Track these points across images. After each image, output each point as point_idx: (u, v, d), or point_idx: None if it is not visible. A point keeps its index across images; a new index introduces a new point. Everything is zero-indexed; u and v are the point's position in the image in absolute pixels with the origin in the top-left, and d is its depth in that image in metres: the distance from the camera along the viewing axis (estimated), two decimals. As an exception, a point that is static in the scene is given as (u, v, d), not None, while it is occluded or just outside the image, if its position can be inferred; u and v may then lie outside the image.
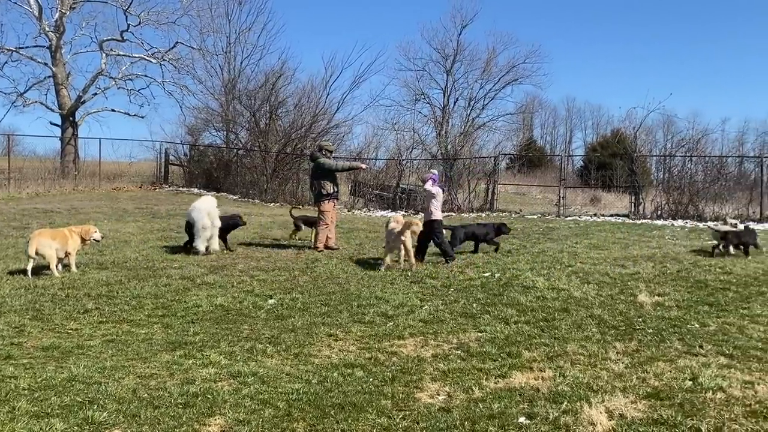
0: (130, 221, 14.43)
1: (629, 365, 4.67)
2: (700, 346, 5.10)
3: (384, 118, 36.90)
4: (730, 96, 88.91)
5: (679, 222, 17.63)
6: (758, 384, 4.23)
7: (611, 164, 34.46)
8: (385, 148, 28.86)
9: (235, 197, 23.31)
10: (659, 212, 18.73)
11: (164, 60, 28.80)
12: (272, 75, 27.00)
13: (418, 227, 9.08)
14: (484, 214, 20.69)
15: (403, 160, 24.43)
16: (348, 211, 19.66)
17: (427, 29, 67.83)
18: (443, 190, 9.65)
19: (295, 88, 27.57)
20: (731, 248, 9.82)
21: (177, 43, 28.87)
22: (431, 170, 10.22)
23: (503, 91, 43.47)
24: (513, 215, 20.42)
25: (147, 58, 28.79)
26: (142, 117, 30.11)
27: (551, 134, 72.25)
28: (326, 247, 10.56)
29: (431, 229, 9.42)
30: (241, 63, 30.78)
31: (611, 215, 19.77)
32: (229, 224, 10.63)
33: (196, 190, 25.23)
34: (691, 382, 4.27)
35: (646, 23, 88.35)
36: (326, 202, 10.61)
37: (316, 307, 6.55)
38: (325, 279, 8.02)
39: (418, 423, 3.65)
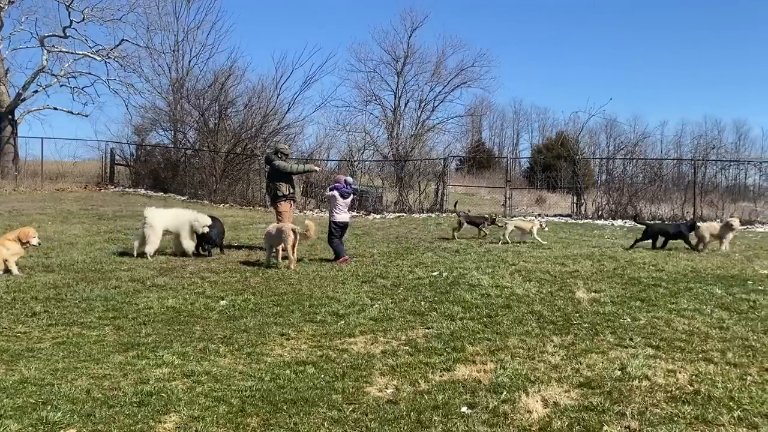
0: (75, 223, 14.14)
1: (565, 357, 4.99)
2: (630, 339, 5.48)
3: (336, 119, 37.03)
4: (668, 99, 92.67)
5: (619, 222, 18.44)
6: (679, 372, 4.60)
7: (556, 166, 35.53)
8: (336, 149, 28.98)
9: (183, 198, 22.99)
10: (600, 212, 19.54)
11: (109, 57, 28.15)
12: (221, 74, 26.76)
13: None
14: (434, 215, 21.10)
15: (354, 161, 24.64)
16: (300, 211, 19.69)
17: (378, 31, 68.47)
18: (348, 194, 10.06)
19: (245, 88, 27.41)
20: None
21: (123, 40, 28.28)
22: (340, 176, 10.62)
23: (453, 93, 44.26)
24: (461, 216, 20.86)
25: (91, 55, 28.07)
26: (87, 116, 29.33)
27: (499, 136, 73.63)
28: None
29: (336, 229, 10.03)
30: (190, 62, 30.42)
31: (555, 215, 20.47)
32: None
33: (142, 191, 24.77)
34: (620, 372, 4.61)
35: (589, 27, 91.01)
36: (283, 203, 10.72)
37: (268, 307, 6.67)
38: (276, 280, 8.13)
39: (366, 415, 3.85)
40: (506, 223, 12.81)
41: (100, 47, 28.15)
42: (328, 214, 10.84)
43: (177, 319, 6.16)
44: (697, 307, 6.58)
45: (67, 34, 27.48)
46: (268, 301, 6.92)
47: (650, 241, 11.43)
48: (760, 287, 7.65)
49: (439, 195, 22.24)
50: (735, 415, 3.78)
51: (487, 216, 14.17)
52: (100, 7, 27.55)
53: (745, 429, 3.62)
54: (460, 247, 11.63)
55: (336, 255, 9.83)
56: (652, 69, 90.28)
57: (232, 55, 51.56)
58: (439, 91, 43.72)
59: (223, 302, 6.84)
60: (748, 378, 4.46)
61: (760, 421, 3.70)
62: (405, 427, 3.66)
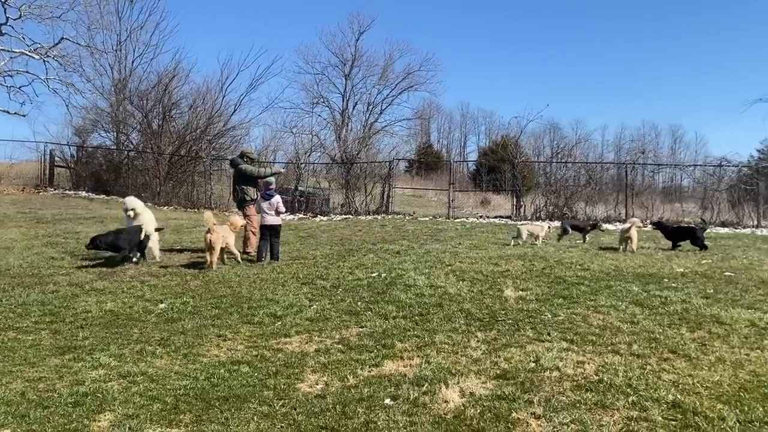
0: (12, 226, 13.83)
1: (486, 351, 5.35)
2: (548, 334, 5.88)
3: (283, 120, 37.02)
4: (609, 104, 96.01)
5: (556, 223, 19.17)
6: (588, 363, 5.02)
7: (500, 168, 36.51)
8: (283, 152, 29.00)
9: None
10: (539, 214, 20.26)
11: (48, 56, 27.29)
12: (165, 75, 26.49)
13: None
14: (380, 217, 21.42)
15: (301, 163, 24.75)
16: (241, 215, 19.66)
17: (326, 33, 68.71)
18: (270, 196, 10.52)
19: (189, 89, 27.19)
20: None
21: (62, 38, 27.47)
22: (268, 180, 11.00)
23: (400, 97, 44.83)
24: (407, 217, 21.28)
25: (29, 53, 27.16)
26: (24, 116, 28.32)
27: (447, 138, 74.90)
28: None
29: (262, 231, 10.46)
30: (133, 62, 29.94)
31: (495, 217, 21.12)
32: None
33: (84, 193, 24.24)
34: (534, 364, 5.00)
35: (533, 32, 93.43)
36: (250, 206, 10.99)
37: (206, 310, 6.82)
38: (217, 283, 8.27)
39: (295, 409, 4.10)
40: (519, 228, 13.21)
41: (39, 45, 27.28)
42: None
43: (115, 323, 6.25)
44: (613, 304, 7.07)
45: (3, 32, 26.56)
46: (207, 304, 7.06)
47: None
48: (673, 284, 8.24)
49: (385, 197, 22.58)
50: (630, 400, 4.20)
51: (590, 221, 14.90)
52: (39, 5, 26.71)
53: (636, 412, 4.02)
54: (401, 248, 11.97)
55: (272, 255, 10.29)
56: (593, 74, 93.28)
57: (177, 55, 50.93)
58: (387, 94, 44.29)
59: (162, 305, 6.96)
60: (648, 367, 4.91)
61: (650, 405, 4.12)
62: (330, 419, 3.92)
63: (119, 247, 9.39)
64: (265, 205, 10.44)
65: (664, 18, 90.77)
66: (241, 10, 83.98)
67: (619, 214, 19.09)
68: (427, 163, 48.65)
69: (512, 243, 12.63)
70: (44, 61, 27.45)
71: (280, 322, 6.33)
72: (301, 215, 21.51)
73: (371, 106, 43.87)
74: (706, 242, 12.11)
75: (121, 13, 29.43)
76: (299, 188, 23.15)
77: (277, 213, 10.52)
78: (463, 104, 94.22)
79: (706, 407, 4.05)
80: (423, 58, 44.71)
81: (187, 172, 24.36)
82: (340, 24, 63.78)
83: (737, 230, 18.40)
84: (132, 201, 10.30)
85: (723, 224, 19.06)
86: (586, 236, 13.61)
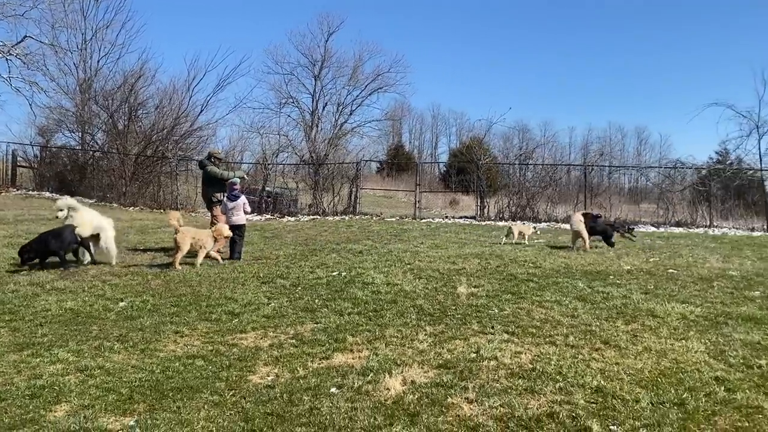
0: (-29, 228, 13.71)
1: (431, 344, 5.65)
2: (492, 327, 6.21)
3: (252, 121, 36.98)
4: (576, 106, 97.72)
5: (519, 223, 19.67)
6: (524, 353, 5.35)
7: (469, 169, 37.08)
8: (250, 152, 29.04)
9: (91, 201, 22.43)
10: (502, 214, 20.74)
11: (11, 54, 26.91)
12: (132, 75, 26.34)
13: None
14: (347, 217, 21.67)
15: (269, 163, 24.85)
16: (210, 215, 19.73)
17: (295, 34, 68.58)
18: (236, 197, 10.83)
19: (156, 90, 27.08)
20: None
21: (26, 37, 27.11)
22: (234, 179, 11.24)
23: (370, 98, 45.05)
24: (374, 218, 21.58)
25: (-10, 51, 26.78)
26: (-15, 114, 27.97)
27: (419, 139, 75.55)
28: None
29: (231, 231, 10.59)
30: (98, 61, 29.63)
31: (461, 217, 21.54)
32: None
33: (47, 194, 23.98)
34: (475, 354, 5.31)
35: (504, 36, 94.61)
36: (217, 207, 11.24)
37: (165, 308, 6.99)
38: (177, 282, 8.43)
39: (245, 398, 4.34)
40: (511, 227, 13.87)
41: (1, 44, 26.90)
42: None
43: (75, 320, 6.40)
44: (557, 299, 7.45)
45: (-37, 30, 26.14)
46: (166, 302, 7.24)
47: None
48: (617, 281, 8.67)
49: (353, 198, 22.84)
50: (557, 386, 4.53)
51: (625, 223, 15.69)
52: (1, 2, 26.35)
53: (562, 396, 4.35)
54: (364, 248, 12.25)
55: (236, 254, 10.63)
56: (562, 76, 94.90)
57: (143, 55, 50.56)
58: (357, 95, 44.45)
59: (122, 303, 7.11)
60: (579, 356, 5.26)
61: (575, 390, 4.46)
62: (277, 406, 4.17)
63: (50, 251, 9.13)
64: (231, 205, 10.66)
65: (633, 21, 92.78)
66: (208, 10, 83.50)
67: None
68: (398, 164, 49.04)
69: (503, 241, 13.38)
70: (6, 59, 27.05)
71: (237, 319, 6.54)
72: (268, 216, 21.63)
73: (341, 107, 44.01)
74: (613, 241, 12.85)
75: (86, 11, 29.16)
76: (267, 189, 23.25)
77: (244, 213, 10.79)
78: (434, 105, 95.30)
79: (625, 391, 4.41)
80: (393, 60, 45.04)
81: (153, 173, 24.28)
82: (310, 25, 63.64)
83: (691, 230, 19.12)
84: (64, 201, 10.21)
85: (678, 224, 19.78)
86: (627, 236, 14.34)
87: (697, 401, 4.22)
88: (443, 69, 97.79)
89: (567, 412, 4.05)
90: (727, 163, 32.87)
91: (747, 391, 4.42)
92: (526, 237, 13.67)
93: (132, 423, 3.88)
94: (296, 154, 29.17)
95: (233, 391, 4.47)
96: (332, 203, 22.89)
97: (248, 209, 10.98)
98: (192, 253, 9.68)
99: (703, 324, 6.36)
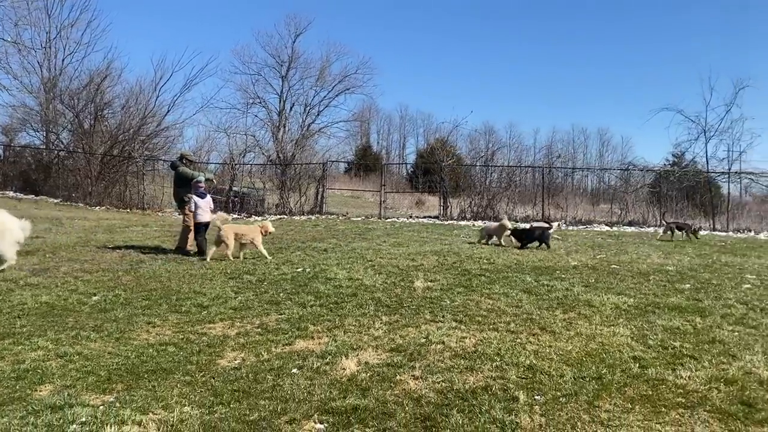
0: (-63, 227, 13.75)
1: (386, 331, 6.18)
2: (443, 316, 6.78)
3: (219, 120, 37.05)
4: (541, 108, 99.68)
5: (479, 223, 20.36)
6: (469, 338, 5.92)
7: (434, 170, 37.81)
8: (217, 152, 29.22)
9: (56, 201, 22.45)
10: (464, 214, 21.43)
11: (-28, 52, 26.66)
12: (97, 75, 26.30)
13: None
14: (313, 217, 22.11)
15: (236, 164, 25.12)
16: (179, 214, 19.97)
17: (262, 35, 68.80)
18: (204, 195, 11.48)
19: (122, 89, 27.09)
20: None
21: (-13, 34, 26.86)
22: (198, 178, 11.78)
23: (337, 98, 45.39)
24: (340, 217, 22.06)
25: (-49, 49, 26.46)
26: (-55, 113, 27.58)
27: (386, 140, 76.23)
28: (180, 249, 11.40)
29: (198, 228, 11.31)
30: (63, 60, 29.42)
31: (425, 217, 22.17)
32: None
33: (11, 193, 23.84)
34: (424, 339, 5.86)
35: (469, 38, 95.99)
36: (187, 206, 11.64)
37: (137, 301, 7.39)
38: (148, 278, 8.81)
39: (214, 378, 4.80)
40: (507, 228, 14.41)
41: (-38, 41, 26.62)
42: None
43: (51, 313, 6.76)
44: (505, 291, 8.07)
45: (-77, 26, 25.79)
46: (138, 296, 7.63)
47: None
48: (563, 276, 9.35)
49: (319, 198, 23.28)
50: (494, 365, 5.10)
51: (690, 223, 16.93)
52: (-38, -1, 26.06)
53: (497, 373, 4.92)
54: (329, 246, 12.74)
55: (199, 251, 11.04)
56: (527, 78, 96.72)
57: (109, 55, 49.64)
58: (324, 96, 44.72)
59: (95, 297, 7.48)
60: (517, 340, 5.85)
61: (509, 368, 5.03)
62: (243, 384, 4.65)
63: None
64: (201, 203, 11.06)
65: (597, 23, 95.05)
66: (175, 10, 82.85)
67: (536, 214, 20.47)
68: (366, 164, 49.58)
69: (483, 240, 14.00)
70: (-32, 57, 26.78)
71: (205, 311, 6.98)
72: (235, 215, 21.91)
73: (308, 108, 44.23)
74: (550, 241, 13.57)
75: (50, 10, 28.94)
76: (234, 189, 23.53)
77: (212, 211, 11.29)
78: (402, 106, 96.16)
79: (552, 368, 5.01)
80: (359, 62, 45.31)
81: (119, 173, 24.34)
82: (277, 26, 63.85)
83: (642, 229, 20.08)
84: None
85: (630, 224, 20.74)
86: (691, 235, 15.55)
87: (613, 375, 4.84)
88: (411, 70, 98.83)
89: (500, 386, 4.62)
90: (683, 165, 34.30)
91: (658, 367, 5.06)
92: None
93: (111, 399, 4.32)
94: (264, 154, 29.47)
95: (203, 372, 4.93)
96: (299, 203, 23.30)
97: (212, 207, 11.49)
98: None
99: (633, 313, 7.03)
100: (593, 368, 5.01)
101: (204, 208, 11.12)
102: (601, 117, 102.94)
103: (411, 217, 22.32)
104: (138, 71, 67.38)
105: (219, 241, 10.55)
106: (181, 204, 11.93)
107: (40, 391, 4.46)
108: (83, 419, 3.94)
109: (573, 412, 4.11)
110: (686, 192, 22.15)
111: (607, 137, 74.63)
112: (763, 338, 5.99)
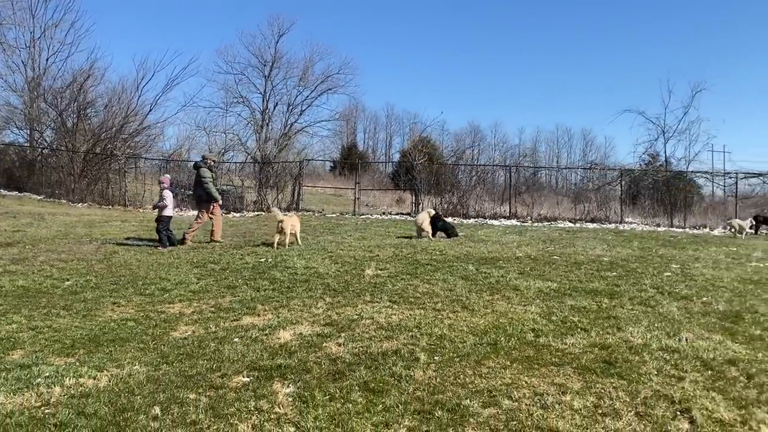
0: None
1: (326, 309, 6.96)
2: (380, 298, 7.56)
3: (202, 119, 37.58)
4: (525, 108, 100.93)
5: (449, 219, 21.18)
6: (396, 315, 6.70)
7: (408, 169, 38.62)
8: (197, 151, 29.82)
9: (39, 197, 23.03)
10: (437, 211, 22.24)
11: (-44, 51, 27.16)
12: (81, 74, 26.87)
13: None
14: (289, 213, 22.84)
15: (215, 162, 25.78)
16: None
17: (246, 35, 69.51)
18: (173, 193, 12.59)
19: (105, 89, 27.68)
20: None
21: (-29, 34, 27.36)
22: (165, 176, 12.88)
23: (320, 98, 46.00)
24: (315, 214, 22.80)
25: (-65, 48, 26.93)
26: (-70, 111, 28.02)
27: (373, 139, 77.09)
28: (184, 239, 12.59)
29: (166, 222, 12.16)
30: (47, 60, 29.92)
31: (397, 214, 22.97)
32: None
33: (-5, 190, 24.37)
34: (357, 316, 6.63)
35: (454, 41, 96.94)
36: (208, 204, 13.23)
37: (106, 286, 8.13)
38: (119, 266, 9.54)
39: (164, 346, 5.57)
40: (731, 222, 16.06)
41: (-54, 40, 27.10)
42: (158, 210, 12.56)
43: (26, 294, 7.49)
44: (445, 278, 8.87)
45: None
46: (107, 282, 8.37)
47: None
48: (503, 265, 10.16)
49: (296, 195, 24.01)
50: (410, 335, 5.89)
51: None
52: (-54, -1, 26.56)
53: (410, 341, 5.71)
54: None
55: (170, 242, 11.95)
56: (513, 78, 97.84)
57: (92, 55, 50.14)
58: (307, 95, 45.30)
59: (68, 282, 8.21)
60: (438, 317, 6.64)
61: (422, 337, 5.82)
62: (188, 349, 5.42)
63: None
64: (168, 199, 11.87)
65: (576, 27, 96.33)
66: (159, 10, 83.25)
67: (503, 210, 21.33)
68: (350, 163, 50.29)
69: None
70: (-47, 56, 27.26)
71: (167, 294, 7.74)
72: (214, 212, 22.61)
73: (291, 107, 44.82)
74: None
75: (34, 10, 29.45)
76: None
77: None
78: (388, 106, 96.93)
79: (459, 337, 5.81)
80: (342, 62, 45.99)
81: (102, 170, 24.94)
82: (260, 26, 64.37)
83: (603, 225, 20.99)
84: None
85: (592, 220, 21.65)
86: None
87: (508, 342, 5.65)
88: (398, 69, 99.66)
89: (408, 350, 5.42)
90: (657, 164, 35.36)
91: (549, 336, 5.88)
92: (744, 231, 16.05)
93: (73, 361, 5.08)
94: (245, 152, 30.15)
95: (156, 341, 5.70)
96: (276, 200, 24.01)
97: (174, 203, 12.65)
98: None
99: (551, 295, 7.86)
100: (493, 336, 5.82)
101: (170, 203, 11.92)
102: (584, 118, 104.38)
103: (384, 213, 23.11)
104: (121, 71, 68.05)
105: (280, 230, 12.01)
106: (200, 202, 12.99)
107: (12, 355, 5.21)
108: (47, 374, 4.69)
109: (461, 369, 4.92)
110: (647, 190, 23.11)
111: (590, 137, 75.79)
112: (655, 316, 6.83)
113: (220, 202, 13.72)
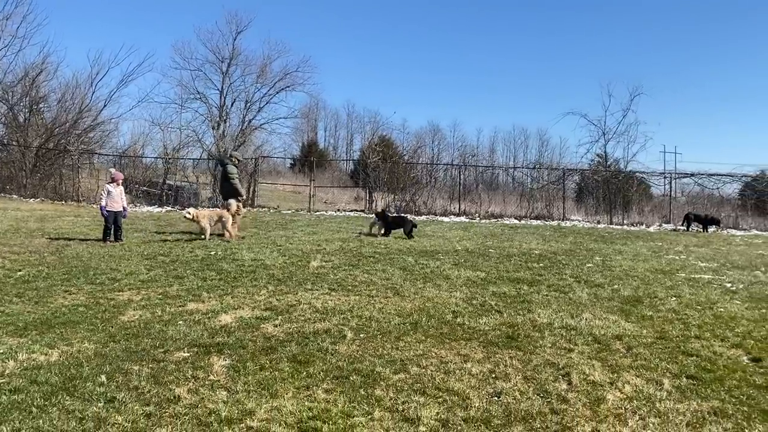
0: None
1: (268, 296, 7.50)
2: (321, 286, 8.14)
3: (158, 115, 37.36)
4: (483, 108, 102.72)
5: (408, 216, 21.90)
6: (332, 301, 7.28)
7: (372, 166, 39.17)
8: (152, 147, 29.82)
9: (-11, 193, 22.81)
10: (389, 208, 22.91)
11: None
12: (33, 69, 26.58)
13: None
14: (245, 209, 23.16)
15: (170, 158, 25.92)
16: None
17: (203, 31, 68.74)
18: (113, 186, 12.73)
19: (58, 84, 27.43)
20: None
21: None
22: (111, 170, 13.30)
23: (279, 95, 46.16)
24: (270, 210, 23.21)
25: None
26: None
27: (334, 137, 77.37)
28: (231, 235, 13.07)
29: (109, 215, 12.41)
30: (-3, 53, 29.41)
31: (351, 210, 23.56)
32: None
33: (-58, 185, 24.02)
34: (296, 302, 7.19)
35: (410, 42, 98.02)
36: (233, 201, 13.74)
37: (58, 276, 8.48)
38: (71, 258, 9.87)
39: (112, 327, 6.02)
40: None
41: None
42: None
43: (-22, 284, 7.80)
44: (384, 268, 9.50)
45: None
46: (59, 272, 8.72)
47: None
48: (441, 258, 10.86)
49: (251, 191, 24.34)
50: (342, 317, 6.47)
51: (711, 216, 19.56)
52: None
53: (342, 322, 6.29)
54: (247, 234, 13.94)
55: (110, 235, 12.27)
56: (472, 77, 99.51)
57: (45, 49, 49.09)
58: (265, 93, 45.38)
59: (20, 273, 8.53)
60: (371, 302, 7.24)
61: (352, 318, 6.41)
62: (135, 330, 5.89)
63: None
64: (115, 194, 12.21)
65: (529, 29, 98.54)
66: (114, 5, 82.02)
67: (453, 208, 22.14)
68: (310, 161, 50.61)
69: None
70: None
71: (117, 283, 8.15)
72: (168, 208, 22.80)
73: (249, 104, 44.83)
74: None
75: (-17, 2, 28.90)
76: (168, 182, 24.35)
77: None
78: (349, 104, 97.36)
79: (386, 319, 6.43)
80: (300, 60, 46.11)
81: (55, 166, 24.80)
82: (218, 23, 63.95)
83: (546, 222, 21.99)
84: None
85: (537, 217, 22.64)
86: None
87: (428, 321, 6.31)
88: (359, 67, 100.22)
89: (338, 330, 6.01)
90: (607, 164, 36.78)
91: (466, 317, 6.56)
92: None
93: (25, 340, 5.51)
94: (202, 148, 30.20)
95: (105, 324, 6.15)
96: (232, 197, 24.28)
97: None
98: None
99: (478, 283, 8.57)
100: (416, 317, 6.47)
101: (116, 198, 12.27)
102: (540, 119, 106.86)
103: (339, 210, 23.67)
104: (75, 66, 66.80)
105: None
106: (227, 197, 13.72)
107: (-33, 335, 5.60)
108: (1, 351, 5.12)
109: (380, 343, 5.54)
110: (590, 189, 24.24)
111: (546, 138, 77.67)
112: (565, 301, 7.60)
113: (244, 197, 14.53)
